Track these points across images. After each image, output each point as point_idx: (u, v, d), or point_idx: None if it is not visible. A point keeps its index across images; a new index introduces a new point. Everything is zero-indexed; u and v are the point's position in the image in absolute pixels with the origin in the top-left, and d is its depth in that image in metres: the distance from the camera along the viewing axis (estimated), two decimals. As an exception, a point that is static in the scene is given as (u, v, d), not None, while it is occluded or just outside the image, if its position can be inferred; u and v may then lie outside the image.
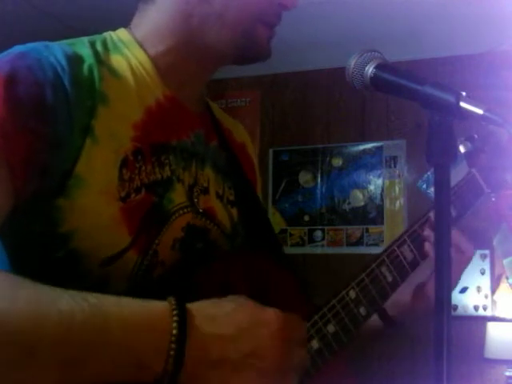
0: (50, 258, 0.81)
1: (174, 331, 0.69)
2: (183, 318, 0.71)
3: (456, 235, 1.06)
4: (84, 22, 3.33)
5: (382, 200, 3.87)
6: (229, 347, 0.72)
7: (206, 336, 0.72)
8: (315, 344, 0.89)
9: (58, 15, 3.42)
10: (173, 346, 0.69)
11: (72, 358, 0.66)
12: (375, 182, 3.91)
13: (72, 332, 0.66)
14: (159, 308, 0.71)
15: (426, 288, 1.09)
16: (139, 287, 0.83)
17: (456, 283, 1.08)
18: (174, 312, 0.71)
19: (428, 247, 1.06)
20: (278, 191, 4.09)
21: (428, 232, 1.07)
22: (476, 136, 1.16)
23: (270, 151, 4.12)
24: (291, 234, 4.01)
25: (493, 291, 3.53)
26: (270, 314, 0.76)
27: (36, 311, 0.66)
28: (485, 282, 3.55)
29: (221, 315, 0.74)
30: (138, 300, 0.72)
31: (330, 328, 0.91)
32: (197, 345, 0.70)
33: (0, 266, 0.83)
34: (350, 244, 3.89)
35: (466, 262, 1.09)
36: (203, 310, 0.73)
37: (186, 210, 0.90)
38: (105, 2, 3.23)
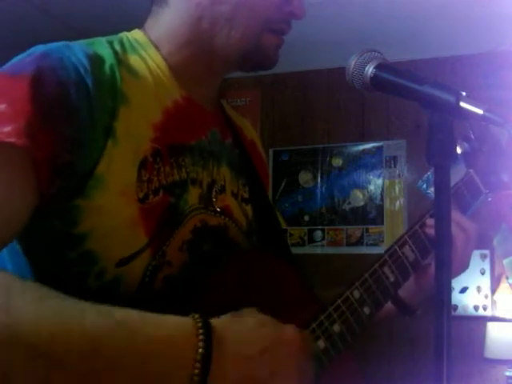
0: (64, 259, 0.81)
1: (201, 350, 0.70)
2: (209, 338, 0.71)
3: (456, 214, 1.08)
4: (84, 22, 3.34)
5: (382, 200, 3.87)
6: (253, 367, 0.73)
7: (231, 355, 0.72)
8: (322, 344, 0.90)
9: (58, 15, 3.42)
10: (198, 365, 0.69)
11: (97, 372, 0.67)
12: (375, 182, 3.91)
13: (98, 346, 0.67)
14: (185, 326, 0.72)
15: (430, 268, 1.10)
16: (146, 287, 0.84)
17: (467, 266, 1.09)
18: (200, 331, 0.71)
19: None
20: (278, 191, 4.09)
21: (432, 221, 1.08)
22: (472, 136, 1.16)
23: (270, 151, 4.12)
24: (291, 234, 4.01)
25: (493, 291, 3.53)
26: (290, 333, 0.78)
27: (62, 325, 0.66)
28: (485, 282, 3.55)
29: (244, 334, 0.74)
30: (163, 317, 0.72)
31: (336, 328, 0.92)
32: (222, 364, 0.71)
33: (18, 267, 0.83)
34: (349, 244, 3.89)
35: (471, 241, 1.09)
36: (227, 329, 0.74)
37: (196, 213, 0.90)
38: (105, 2, 3.23)
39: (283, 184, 4.09)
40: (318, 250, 3.95)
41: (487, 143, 1.16)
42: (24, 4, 3.29)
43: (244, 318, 0.76)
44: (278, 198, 4.07)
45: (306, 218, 4.00)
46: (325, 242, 3.94)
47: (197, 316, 0.73)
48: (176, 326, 0.72)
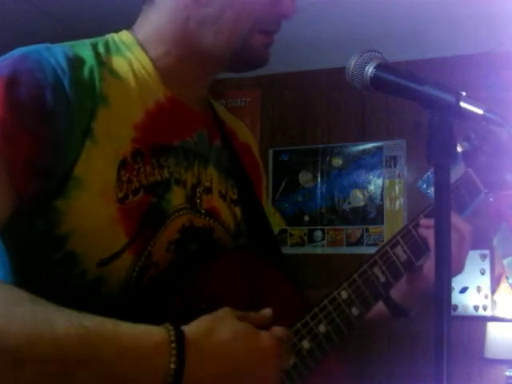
0: (48, 260, 0.81)
1: (173, 365, 0.69)
2: (181, 352, 0.70)
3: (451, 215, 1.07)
4: (84, 22, 3.33)
5: (382, 200, 3.87)
6: (226, 383, 0.73)
7: (204, 372, 0.72)
8: (306, 344, 0.89)
9: (58, 15, 3.42)
10: (170, 379, 0.69)
11: (61, 378, 0.66)
12: (375, 182, 3.91)
13: (66, 355, 0.66)
14: (157, 338, 0.71)
15: (423, 270, 1.09)
16: (133, 288, 0.83)
17: (462, 268, 1.08)
18: (173, 345, 0.70)
19: (427, 234, 1.07)
20: (277, 191, 4.09)
21: (425, 221, 1.07)
22: (473, 136, 1.16)
23: (270, 151, 4.12)
24: (291, 234, 4.01)
25: (493, 291, 3.53)
26: (265, 341, 0.77)
27: (30, 329, 0.65)
28: (485, 282, 3.55)
29: (218, 348, 0.74)
30: (135, 326, 0.71)
31: (322, 328, 0.91)
32: (193, 380, 0.71)
33: (2, 269, 0.83)
34: (350, 244, 3.89)
35: (466, 242, 1.08)
36: (200, 343, 0.73)
37: (182, 212, 0.90)
38: (105, 2, 3.23)
39: (283, 184, 4.09)
40: (318, 250, 3.95)
41: (488, 142, 1.16)
42: (24, 4, 3.29)
43: (218, 328, 0.75)
44: (278, 198, 4.07)
45: (306, 218, 4.00)
46: (325, 242, 3.94)
47: (171, 328, 0.72)
48: (148, 338, 0.71)
